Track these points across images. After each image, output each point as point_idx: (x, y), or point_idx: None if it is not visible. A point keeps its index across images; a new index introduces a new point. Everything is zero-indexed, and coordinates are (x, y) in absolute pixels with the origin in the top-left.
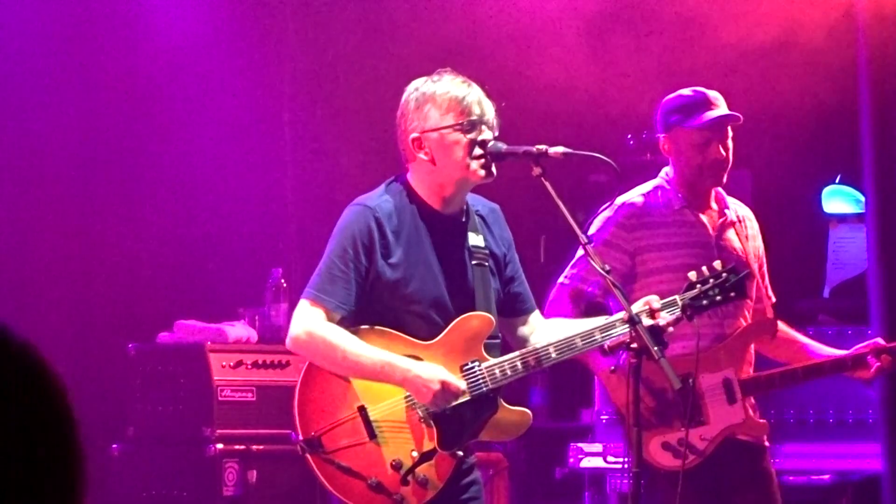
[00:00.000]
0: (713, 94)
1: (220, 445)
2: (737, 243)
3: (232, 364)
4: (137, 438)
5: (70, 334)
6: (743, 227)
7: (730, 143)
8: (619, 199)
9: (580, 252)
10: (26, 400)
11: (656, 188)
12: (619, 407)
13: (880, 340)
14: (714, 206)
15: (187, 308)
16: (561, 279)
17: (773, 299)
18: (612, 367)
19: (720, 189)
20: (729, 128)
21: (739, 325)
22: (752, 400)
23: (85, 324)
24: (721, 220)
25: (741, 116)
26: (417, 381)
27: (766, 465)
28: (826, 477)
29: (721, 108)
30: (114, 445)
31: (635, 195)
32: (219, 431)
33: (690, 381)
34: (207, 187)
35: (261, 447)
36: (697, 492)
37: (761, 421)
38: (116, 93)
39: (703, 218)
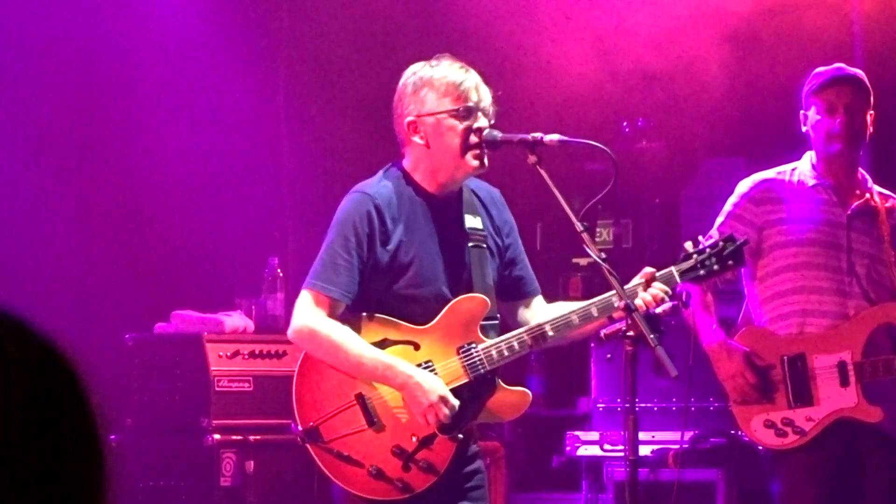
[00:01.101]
0: (847, 67)
1: (217, 436)
2: (871, 227)
3: (229, 354)
4: (135, 429)
5: (67, 325)
6: (891, 217)
7: (867, 117)
8: (756, 175)
9: (718, 220)
10: (44, 393)
11: (795, 167)
12: (722, 379)
13: None
14: (857, 190)
15: (184, 298)
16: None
17: None
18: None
19: (867, 176)
20: (871, 107)
21: (864, 307)
22: None
23: (82, 314)
24: (859, 202)
25: (859, 75)
26: (417, 390)
27: None
28: None
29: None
30: (111, 436)
31: (772, 172)
32: (216, 422)
33: (790, 361)
34: (203, 177)
35: (258, 437)
36: (807, 471)
37: (875, 407)
38: (113, 83)
39: (839, 198)
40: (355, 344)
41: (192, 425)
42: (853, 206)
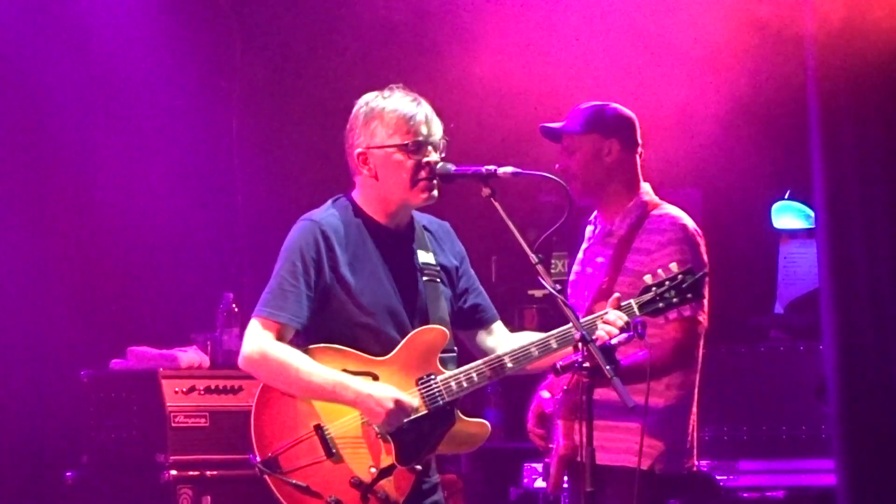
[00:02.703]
0: (580, 107)
1: (174, 472)
2: (601, 255)
3: (185, 390)
4: (91, 465)
5: (23, 362)
6: (616, 240)
7: (573, 159)
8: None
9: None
10: None
11: None
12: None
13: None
14: (616, 217)
15: (139, 334)
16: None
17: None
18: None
19: (637, 196)
20: (596, 136)
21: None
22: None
23: (37, 351)
24: (591, 238)
25: (571, 115)
26: (370, 401)
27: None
28: (780, 493)
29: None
30: (68, 473)
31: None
32: (172, 457)
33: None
34: (158, 213)
35: (215, 472)
36: None
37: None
38: (66, 119)
39: (595, 233)
40: (305, 364)
41: (149, 461)
42: (591, 237)
